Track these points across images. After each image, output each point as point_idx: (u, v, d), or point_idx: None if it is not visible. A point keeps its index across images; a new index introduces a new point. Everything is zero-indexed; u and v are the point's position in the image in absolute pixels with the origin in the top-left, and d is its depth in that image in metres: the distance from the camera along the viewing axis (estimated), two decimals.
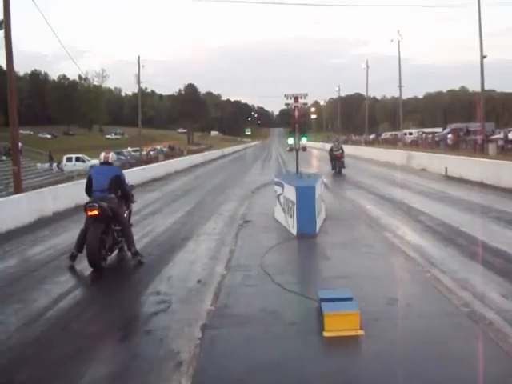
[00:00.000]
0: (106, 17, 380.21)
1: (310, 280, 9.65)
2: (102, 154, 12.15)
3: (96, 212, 10.89)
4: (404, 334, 6.74)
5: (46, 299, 8.96)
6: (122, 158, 60.74)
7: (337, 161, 33.19)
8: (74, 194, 22.02)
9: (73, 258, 11.20)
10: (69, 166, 53.32)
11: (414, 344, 6.45)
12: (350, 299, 7.31)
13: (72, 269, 11.01)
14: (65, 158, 56.13)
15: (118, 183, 11.79)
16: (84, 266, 10.78)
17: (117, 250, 11.94)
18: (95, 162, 53.17)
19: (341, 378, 5.73)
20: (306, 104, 18.93)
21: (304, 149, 18.49)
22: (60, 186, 23.05)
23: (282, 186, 15.31)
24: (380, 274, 9.80)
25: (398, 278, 9.48)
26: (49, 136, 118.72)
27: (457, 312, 7.42)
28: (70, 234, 15.45)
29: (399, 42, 73.20)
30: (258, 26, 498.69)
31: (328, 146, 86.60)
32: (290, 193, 13.90)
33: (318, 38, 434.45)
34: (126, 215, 12.55)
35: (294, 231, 13.38)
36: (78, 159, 55.65)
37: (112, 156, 12.32)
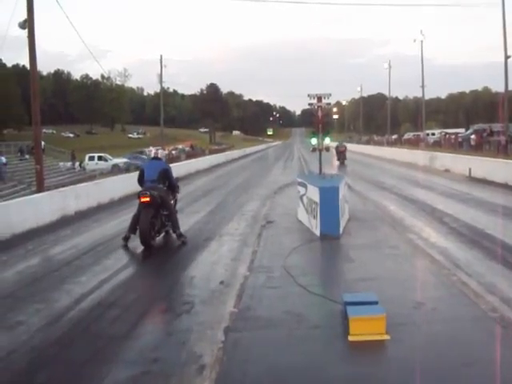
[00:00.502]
0: (128, 16, 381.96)
1: (334, 282, 9.54)
2: (153, 151, 15.30)
3: (147, 199, 12.72)
4: (431, 339, 6.59)
5: (67, 299, 8.90)
6: (144, 157, 60.85)
7: (340, 154, 45.49)
8: (96, 193, 22.15)
9: (126, 239, 13.12)
10: (91, 164, 53.48)
11: (441, 350, 6.29)
12: (375, 303, 7.18)
13: (125, 247, 12.94)
14: (87, 156, 56.26)
15: (165, 175, 13.79)
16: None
17: (164, 233, 13.95)
18: (118, 160, 53.88)
19: (365, 383, 5.61)
20: (329, 104, 18.76)
21: (327, 149, 18.35)
22: (82, 185, 23.09)
23: (305, 186, 15.19)
24: (405, 276, 9.65)
25: (423, 281, 9.29)
26: (71, 135, 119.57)
27: (485, 317, 7.25)
28: (91, 234, 15.55)
29: (422, 41, 72.61)
30: (280, 26, 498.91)
31: (350, 146, 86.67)
32: (314, 193, 13.78)
33: (340, 38, 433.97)
34: (172, 203, 14.39)
35: (317, 232, 13.26)
36: (100, 158, 55.76)
37: (161, 152, 15.12)
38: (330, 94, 18.16)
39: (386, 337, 6.58)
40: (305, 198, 15.09)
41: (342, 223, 13.75)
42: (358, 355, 6.38)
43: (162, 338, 7.06)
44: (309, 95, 17.72)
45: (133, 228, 13.09)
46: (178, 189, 15.12)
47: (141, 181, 13.80)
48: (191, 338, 6.90)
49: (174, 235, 13.59)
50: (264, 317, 7.55)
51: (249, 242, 13.16)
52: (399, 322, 6.96)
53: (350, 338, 6.56)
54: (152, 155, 14.86)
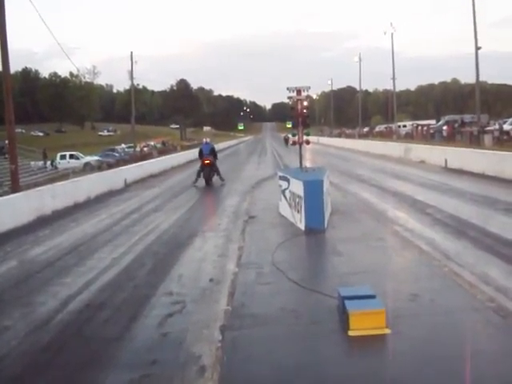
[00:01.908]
0: (96, 12, 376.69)
1: (326, 276, 9.45)
2: (204, 140, 29.15)
3: (208, 161, 25.81)
4: (432, 332, 6.51)
5: (53, 302, 8.67)
6: (116, 154, 60.39)
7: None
8: (72, 192, 21.78)
9: (194, 182, 25.98)
10: (63, 163, 52.79)
11: (443, 341, 6.21)
12: (373, 296, 7.08)
13: (194, 187, 25.61)
14: (58, 155, 55.54)
15: (213, 151, 26.62)
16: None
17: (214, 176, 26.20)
18: (90, 158, 53.33)
19: (371, 378, 5.49)
20: (308, 97, 18.62)
21: (307, 142, 18.19)
22: (59, 183, 22.67)
23: (287, 180, 15.05)
24: (397, 269, 9.62)
25: (415, 272, 9.23)
26: (41, 134, 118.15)
27: (483, 307, 7.19)
28: (71, 233, 15.29)
29: (392, 34, 72.95)
30: (249, 20, 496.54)
31: (322, 139, 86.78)
32: (297, 187, 13.65)
33: (311, 31, 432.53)
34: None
35: (301, 226, 13.14)
36: (71, 156, 55.06)
37: (209, 140, 29.45)
38: (309, 87, 18.00)
39: (387, 331, 6.47)
40: (287, 192, 14.95)
41: (326, 216, 13.63)
42: (359, 350, 6.28)
43: (157, 338, 6.84)
44: (288, 88, 17.52)
45: (198, 176, 26.20)
46: (217, 156, 27.33)
47: (200, 154, 26.60)
48: (187, 338, 6.72)
49: (218, 178, 26.09)
50: (259, 314, 7.40)
51: (233, 237, 13.01)
52: (397, 315, 6.85)
53: (350, 333, 6.44)
54: (205, 141, 28.60)
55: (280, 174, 16.63)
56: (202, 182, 25.87)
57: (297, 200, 13.62)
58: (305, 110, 18.01)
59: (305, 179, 13.41)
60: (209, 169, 25.80)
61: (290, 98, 17.71)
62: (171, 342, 6.72)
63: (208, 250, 11.86)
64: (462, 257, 9.96)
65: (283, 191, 15.49)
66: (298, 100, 17.54)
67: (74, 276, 10.30)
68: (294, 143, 18.17)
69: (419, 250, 10.69)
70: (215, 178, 26.11)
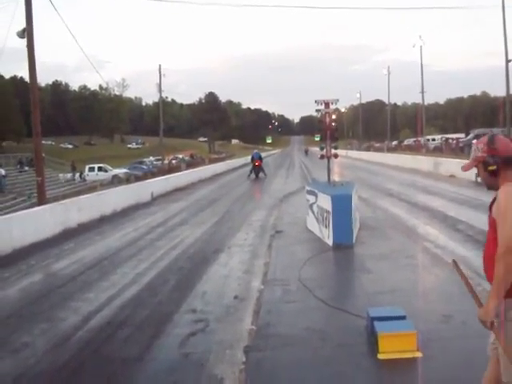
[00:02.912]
0: (125, 26, 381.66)
1: (354, 295, 9.15)
2: (255, 150, 49.17)
3: (258, 163, 42.94)
4: (465, 356, 6.19)
5: (74, 318, 8.47)
6: (144, 167, 60.59)
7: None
8: (98, 204, 21.75)
9: (249, 176, 42.63)
10: (91, 175, 53.07)
11: (477, 367, 5.83)
12: (403, 318, 6.79)
13: (249, 178, 42.25)
14: (87, 167, 55.85)
15: (260, 157, 44.22)
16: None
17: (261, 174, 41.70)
18: (118, 171, 53.55)
19: None
20: (337, 110, 18.39)
21: (336, 156, 17.91)
22: (84, 196, 22.66)
23: (315, 194, 14.80)
24: (427, 288, 9.28)
25: (447, 292, 8.84)
26: (70, 146, 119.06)
27: None
28: (95, 247, 15.17)
29: (421, 47, 72.45)
30: (278, 34, 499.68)
31: (350, 152, 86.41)
32: (325, 202, 13.40)
33: (340, 44, 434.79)
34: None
35: (329, 242, 12.87)
36: (100, 169, 55.33)
37: (256, 150, 49.01)
38: (338, 100, 17.74)
39: (418, 354, 6.17)
40: (315, 207, 14.69)
41: (354, 232, 13.34)
42: (389, 375, 5.99)
43: (178, 359, 6.60)
44: (316, 101, 17.26)
45: (250, 172, 42.81)
46: (262, 160, 43.91)
47: (252, 159, 44.44)
48: (210, 359, 6.47)
49: (264, 175, 42.41)
50: (285, 334, 7.13)
51: (259, 253, 12.77)
52: (429, 338, 6.55)
53: (380, 356, 6.16)
54: (255, 152, 45.50)
55: (308, 188, 16.37)
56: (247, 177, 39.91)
57: (324, 215, 13.35)
58: (333, 123, 17.76)
59: (333, 194, 13.15)
60: (258, 168, 43.03)
61: (318, 110, 17.46)
62: (193, 362, 6.47)
63: (233, 266, 11.62)
64: None
65: (311, 206, 15.23)
66: (326, 113, 17.28)
67: (97, 291, 10.12)
68: (323, 157, 17.89)
69: (451, 268, 10.32)
70: (261, 174, 42.56)
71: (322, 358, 6.38)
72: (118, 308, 8.92)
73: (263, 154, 66.65)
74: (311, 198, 15.24)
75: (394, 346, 6.25)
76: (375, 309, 7.20)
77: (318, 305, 8.31)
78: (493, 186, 3.93)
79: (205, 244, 14.53)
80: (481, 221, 15.20)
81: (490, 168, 3.80)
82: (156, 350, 6.94)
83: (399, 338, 6.32)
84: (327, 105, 17.27)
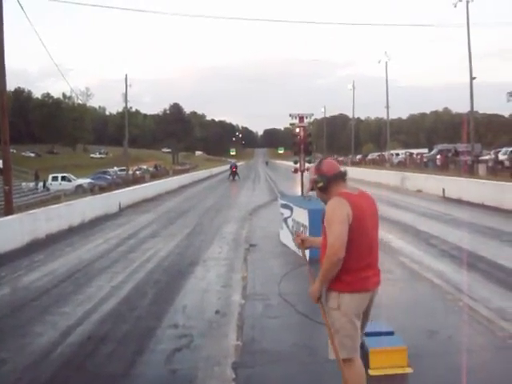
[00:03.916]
0: (90, 35, 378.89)
1: None
2: (232, 160, 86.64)
3: (234, 169, 64.25)
4: (456, 371, 6.16)
5: (53, 333, 8.25)
6: (108, 177, 59.99)
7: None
8: (66, 215, 21.43)
9: (228, 178, 63.15)
10: (54, 185, 52.28)
11: (469, 382, 5.88)
12: (391, 333, 6.75)
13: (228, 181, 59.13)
14: (50, 177, 55.09)
15: (235, 165, 67.07)
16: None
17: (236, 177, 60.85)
18: (82, 181, 52.88)
19: None
20: (310, 124, 18.44)
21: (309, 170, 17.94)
22: (53, 206, 22.29)
23: (290, 208, 14.77)
24: (410, 303, 9.31)
25: (430, 307, 8.90)
26: (32, 155, 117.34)
27: (505, 345, 6.92)
28: (66, 259, 14.91)
29: (386, 63, 73.40)
30: (243, 46, 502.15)
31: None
32: (301, 216, 13.39)
33: (305, 59, 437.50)
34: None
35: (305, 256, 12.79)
36: (63, 178, 54.58)
37: (234, 161, 77.66)
38: (312, 114, 17.85)
39: (409, 370, 6.16)
40: (290, 221, 14.65)
41: None
42: None
43: (166, 375, 6.46)
44: (290, 115, 17.32)
45: (229, 175, 64.10)
46: (237, 167, 66.86)
47: (230, 166, 67.14)
48: (198, 376, 6.34)
49: (238, 177, 62.96)
50: (272, 350, 7.05)
51: (236, 266, 12.68)
52: (417, 353, 6.55)
53: (371, 372, 6.10)
54: (232, 161, 75.39)
55: (282, 201, 16.32)
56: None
57: (300, 229, 13.31)
58: (306, 137, 17.78)
59: (310, 208, 13.12)
60: (234, 173, 62.67)
61: (292, 124, 17.48)
62: (181, 379, 6.35)
63: (211, 280, 11.50)
64: (475, 290, 9.68)
65: (285, 219, 15.18)
66: (299, 127, 17.31)
67: (73, 305, 9.90)
68: (296, 171, 17.90)
69: (430, 283, 10.41)
70: (236, 177, 60.10)
71: (313, 373, 6.33)
72: (97, 322, 8.72)
73: (228, 166, 69.91)
74: (286, 212, 15.19)
75: (384, 361, 6.23)
76: None
77: (301, 320, 8.20)
78: (325, 201, 4.78)
79: (179, 257, 14.38)
80: (454, 236, 15.48)
81: (319, 185, 4.76)
82: (142, 366, 6.78)
83: (390, 353, 6.29)
84: (301, 119, 17.32)
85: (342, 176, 4.81)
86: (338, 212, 4.50)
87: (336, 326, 4.66)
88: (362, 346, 6.42)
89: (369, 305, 4.93)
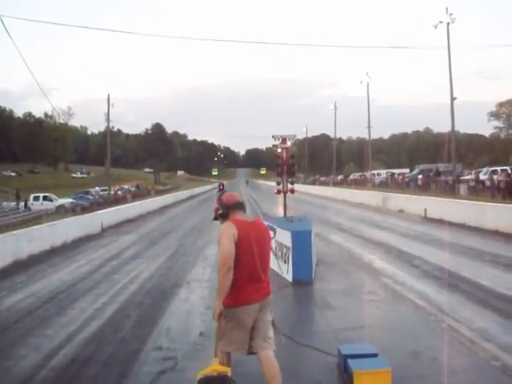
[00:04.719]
0: (72, 55, 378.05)
1: (320, 332, 9.08)
2: (221, 181, 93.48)
3: (221, 187, 62.82)
4: None
5: (36, 356, 8.20)
6: (90, 197, 59.78)
7: None
8: (48, 235, 21.35)
9: (217, 194, 23.98)
10: (36, 204, 52.04)
11: None
12: (375, 355, 6.78)
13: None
14: (32, 196, 54.83)
15: (223, 184, 70.29)
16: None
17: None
18: (63, 201, 52.63)
19: None
20: (293, 145, 18.56)
21: (292, 191, 18.02)
22: (35, 227, 22.17)
23: (273, 229, 14.76)
24: (393, 324, 9.35)
25: (413, 328, 8.94)
26: (13, 174, 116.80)
27: (488, 366, 6.97)
28: (49, 280, 14.83)
29: (368, 83, 73.92)
30: (225, 67, 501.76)
31: (296, 186, 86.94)
32: (284, 237, 13.43)
33: (287, 79, 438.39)
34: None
35: (288, 277, 12.88)
36: (45, 198, 54.33)
37: (221, 181, 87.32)
38: (295, 135, 17.96)
39: None
40: (273, 242, 14.65)
41: (313, 267, 13.37)
42: None
43: None
44: (273, 136, 17.39)
45: (218, 192, 42.77)
46: (224, 185, 69.61)
47: (219, 185, 72.20)
48: None
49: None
50: (257, 372, 7.00)
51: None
52: (402, 375, 6.60)
53: None
54: (219, 184, 76.54)
55: (265, 223, 16.31)
56: None
57: (284, 250, 13.37)
58: (289, 159, 17.88)
59: (293, 229, 13.17)
60: (222, 190, 52.46)
61: (275, 146, 17.58)
62: None
63: (194, 302, 11.49)
64: (458, 311, 9.75)
65: None
66: (283, 148, 17.40)
67: (56, 327, 9.85)
68: (279, 192, 17.97)
69: (413, 304, 10.47)
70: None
71: None
72: (80, 345, 8.68)
73: (210, 186, 70.51)
74: None
75: (369, 383, 6.25)
76: (346, 346, 7.18)
77: (285, 342, 8.23)
78: None
79: (162, 278, 14.33)
80: (436, 256, 15.60)
81: (220, 213, 5.76)
82: None
83: (374, 375, 6.30)
84: (284, 140, 17.41)
85: (239, 206, 5.81)
86: (226, 232, 5.40)
87: (223, 331, 5.58)
88: (346, 369, 6.48)
89: (265, 312, 5.70)
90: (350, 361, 6.55)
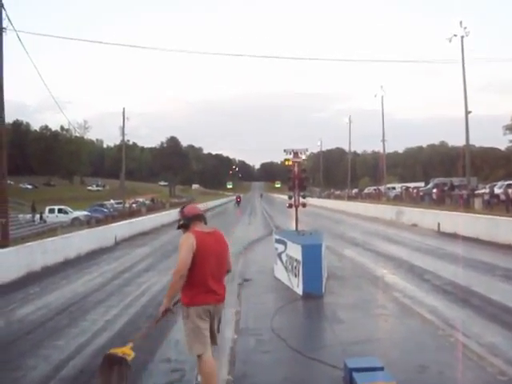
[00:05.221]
0: (88, 69, 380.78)
1: (328, 345, 9.09)
2: (237, 194, 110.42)
3: (239, 199, 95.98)
4: None
5: (45, 366, 8.30)
6: (105, 210, 60.08)
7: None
8: (62, 248, 21.51)
9: (235, 205, 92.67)
10: (51, 217, 52.38)
11: None
12: (381, 369, 6.79)
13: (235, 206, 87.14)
14: (47, 209, 55.19)
15: (240, 196, 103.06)
16: None
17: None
18: (78, 213, 52.90)
19: None
20: (305, 160, 18.67)
21: (304, 205, 18.10)
22: (49, 239, 22.34)
23: (284, 243, 14.86)
24: (401, 338, 9.35)
25: (421, 342, 8.93)
26: (29, 186, 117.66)
27: (494, 381, 6.97)
28: (61, 292, 14.97)
29: (382, 97, 73.80)
30: (241, 80, 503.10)
31: (311, 200, 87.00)
32: (295, 251, 13.47)
33: (302, 93, 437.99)
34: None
35: (299, 291, 12.90)
36: (60, 211, 54.69)
37: (238, 194, 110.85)
38: (307, 149, 18.05)
39: None
40: (284, 256, 14.73)
41: (323, 281, 13.40)
42: None
43: None
44: (285, 150, 17.51)
45: (236, 203, 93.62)
46: (241, 198, 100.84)
47: (236, 198, 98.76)
48: None
49: (238, 205, 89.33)
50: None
51: (229, 301, 12.46)
52: None
53: None
54: (237, 195, 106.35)
55: (276, 236, 16.39)
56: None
57: (294, 264, 13.40)
58: (302, 173, 17.99)
59: (303, 243, 13.23)
60: (239, 202, 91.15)
61: (287, 160, 17.67)
62: None
63: None
64: (467, 326, 9.73)
65: (279, 254, 15.26)
66: (294, 162, 17.48)
67: (66, 338, 9.95)
68: (291, 206, 18.04)
69: (422, 318, 10.46)
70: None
71: None
72: (90, 356, 8.76)
73: (225, 200, 69.67)
74: (280, 247, 15.28)
75: None
76: (352, 359, 7.20)
77: (293, 355, 8.29)
78: None
79: None
80: (447, 271, 15.56)
81: (181, 223, 6.41)
82: None
83: None
84: (296, 154, 17.50)
85: (199, 218, 6.42)
86: (185, 242, 6.07)
87: (186, 331, 6.15)
88: (351, 382, 6.51)
89: (215, 317, 6.28)
90: (355, 374, 6.57)
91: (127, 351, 6.04)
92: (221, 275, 6.30)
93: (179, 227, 6.48)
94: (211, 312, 6.16)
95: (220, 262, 6.25)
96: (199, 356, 6.08)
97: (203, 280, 6.04)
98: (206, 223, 6.50)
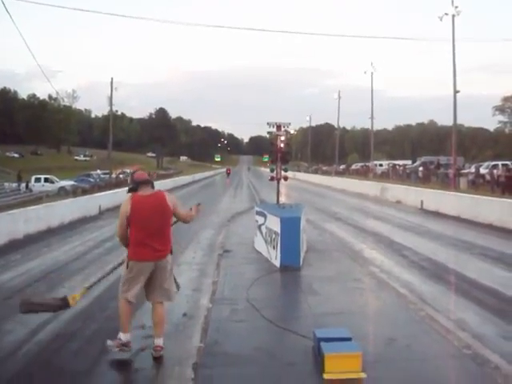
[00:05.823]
0: (78, 38, 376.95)
1: (301, 316, 9.24)
2: (227, 167, 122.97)
3: (228, 171, 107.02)
4: (408, 378, 6.46)
5: (22, 330, 8.43)
6: (91, 180, 59.94)
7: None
8: (45, 216, 21.51)
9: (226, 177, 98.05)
10: (37, 186, 52.11)
11: None
12: (349, 339, 6.96)
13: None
14: (33, 178, 54.92)
15: (229, 168, 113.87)
16: None
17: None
18: (65, 183, 52.77)
19: None
20: (288, 133, 18.72)
21: (285, 178, 18.20)
22: (31, 207, 22.35)
23: (264, 215, 14.96)
24: (373, 311, 9.55)
25: (392, 316, 9.11)
26: (16, 155, 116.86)
27: (459, 354, 7.13)
28: (43, 259, 15.01)
29: (372, 74, 73.78)
30: (232, 53, 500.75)
31: (298, 174, 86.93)
32: (274, 223, 13.58)
33: (293, 68, 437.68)
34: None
35: (276, 263, 13.04)
36: (46, 180, 54.41)
37: (228, 167, 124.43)
38: (290, 123, 18.07)
39: (363, 375, 6.34)
40: (263, 228, 14.84)
41: (302, 254, 13.53)
42: None
43: (128, 374, 6.70)
44: (268, 123, 17.54)
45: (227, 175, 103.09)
46: (230, 170, 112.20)
47: (226, 170, 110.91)
48: (159, 375, 6.58)
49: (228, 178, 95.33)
50: (233, 353, 7.25)
51: (208, 271, 12.84)
52: (374, 360, 6.78)
53: (325, 376, 6.31)
54: (227, 167, 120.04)
55: (257, 209, 16.50)
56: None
57: (273, 236, 13.52)
58: (284, 146, 18.05)
59: (282, 216, 13.34)
60: (228, 174, 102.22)
61: (269, 133, 17.73)
62: (142, 378, 6.56)
63: (182, 284, 11.53)
64: (439, 301, 9.91)
65: (259, 226, 15.38)
66: (277, 136, 17.54)
67: None
68: (273, 179, 18.14)
69: (396, 292, 10.62)
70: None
71: (270, 376, 6.52)
72: (66, 321, 8.88)
73: (212, 172, 68.99)
74: (260, 219, 15.40)
75: (339, 366, 6.41)
76: (322, 330, 7.35)
77: (265, 325, 8.43)
78: None
79: None
80: (426, 248, 15.76)
81: (130, 187, 7.25)
82: (105, 364, 6.97)
83: (344, 358, 6.47)
84: (279, 127, 17.56)
85: (146, 182, 7.14)
86: (121, 210, 7.04)
87: (123, 278, 7.23)
88: (319, 351, 6.66)
89: (157, 274, 7.17)
90: (322, 344, 6.72)
91: (76, 297, 7.57)
92: (160, 233, 7.06)
93: (129, 191, 7.17)
94: (153, 268, 7.03)
95: (161, 219, 7.03)
96: (120, 299, 7.25)
97: (140, 238, 6.90)
98: (153, 187, 7.26)
